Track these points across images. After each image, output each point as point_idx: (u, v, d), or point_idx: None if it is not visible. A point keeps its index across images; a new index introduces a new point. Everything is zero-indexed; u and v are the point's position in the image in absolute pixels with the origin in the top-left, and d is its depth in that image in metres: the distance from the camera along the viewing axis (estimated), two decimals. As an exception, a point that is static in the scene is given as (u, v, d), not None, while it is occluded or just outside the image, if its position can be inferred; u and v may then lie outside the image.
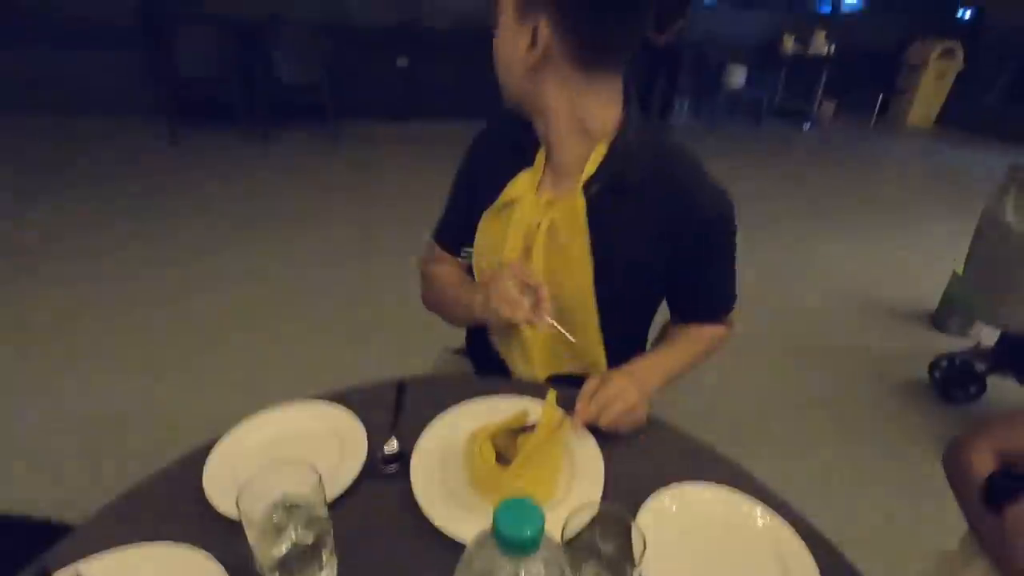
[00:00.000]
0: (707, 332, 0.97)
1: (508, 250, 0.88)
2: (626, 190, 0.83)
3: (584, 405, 0.76)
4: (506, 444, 0.71)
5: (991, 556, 0.67)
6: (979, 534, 0.68)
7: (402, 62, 5.69)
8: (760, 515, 0.67)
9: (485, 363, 1.04)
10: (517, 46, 0.77)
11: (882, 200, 4.60)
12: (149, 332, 2.38)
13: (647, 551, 0.48)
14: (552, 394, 0.73)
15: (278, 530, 0.55)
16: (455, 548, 0.60)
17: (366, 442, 0.74)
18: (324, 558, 0.56)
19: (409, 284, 2.92)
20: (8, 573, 0.57)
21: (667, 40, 5.51)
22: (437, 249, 1.07)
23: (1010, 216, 1.81)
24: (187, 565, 0.58)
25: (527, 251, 0.87)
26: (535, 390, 0.84)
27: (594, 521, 0.52)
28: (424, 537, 0.63)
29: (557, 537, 0.50)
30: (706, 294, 0.95)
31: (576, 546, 0.51)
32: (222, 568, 0.57)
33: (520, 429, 0.73)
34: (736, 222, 0.87)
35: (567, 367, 0.95)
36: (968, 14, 8.00)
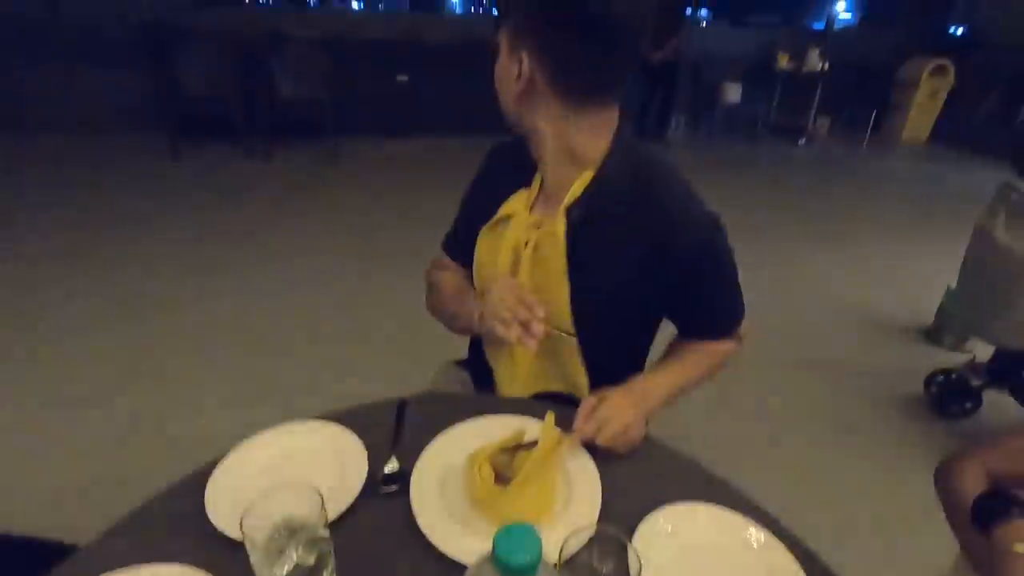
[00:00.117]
0: (714, 348, 0.96)
1: (499, 266, 0.90)
2: (608, 217, 0.83)
3: (582, 423, 0.78)
4: (505, 462, 0.72)
5: (982, 576, 0.68)
6: (970, 555, 0.69)
7: (402, 78, 5.75)
8: (755, 535, 0.68)
9: (483, 376, 1.05)
10: (509, 74, 0.80)
11: (877, 215, 4.64)
12: (148, 347, 2.38)
13: (643, 572, 0.49)
14: (550, 415, 0.74)
15: (280, 551, 0.56)
16: (455, 568, 0.61)
17: (366, 462, 0.74)
18: (325, 578, 0.57)
19: (409, 298, 2.93)
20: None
21: (663, 57, 5.59)
22: (444, 257, 1.09)
23: (1001, 234, 1.83)
24: (190, 586, 0.59)
25: (515, 268, 0.89)
26: (533, 409, 0.85)
27: (591, 542, 0.53)
28: (424, 557, 0.63)
29: (555, 557, 0.51)
30: (708, 313, 0.94)
31: (574, 567, 0.52)
32: (224, 589, 0.58)
33: (518, 447, 0.74)
34: (726, 241, 0.86)
35: (551, 386, 0.96)
36: (959, 31, 8.15)
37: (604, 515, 0.69)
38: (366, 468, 0.73)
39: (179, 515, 0.68)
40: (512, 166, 0.92)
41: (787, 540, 0.67)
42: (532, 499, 0.68)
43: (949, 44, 7.41)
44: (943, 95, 6.61)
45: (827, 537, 1.64)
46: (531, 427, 0.77)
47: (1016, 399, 2.07)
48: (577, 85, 0.78)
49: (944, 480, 0.74)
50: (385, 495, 0.71)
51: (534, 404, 0.89)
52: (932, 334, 2.74)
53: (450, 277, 1.05)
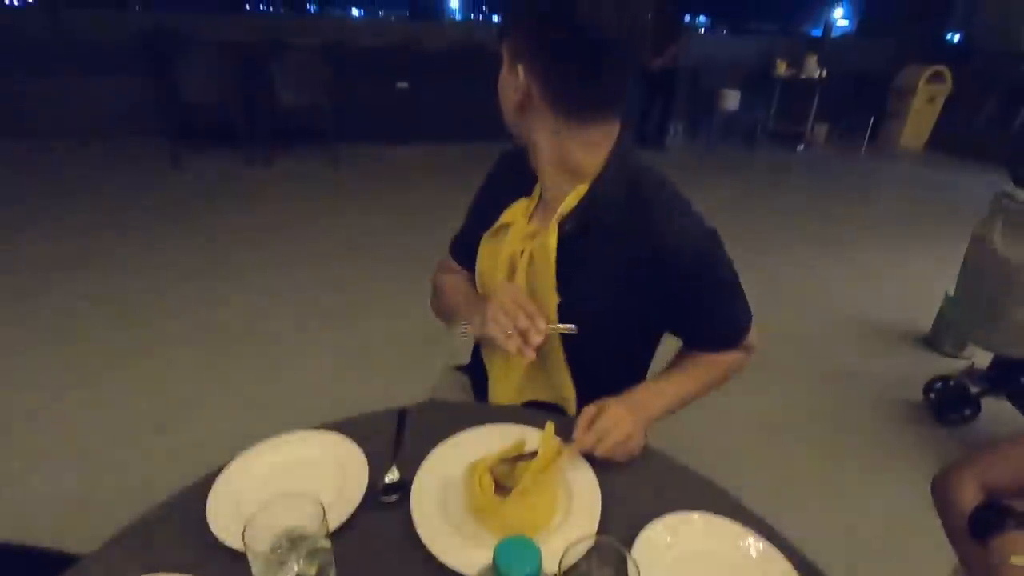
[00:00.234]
0: (719, 359, 0.95)
1: (498, 272, 0.91)
2: (601, 231, 0.83)
3: (582, 434, 0.78)
4: (505, 472, 0.73)
5: (979, 588, 0.68)
6: (967, 566, 0.70)
7: (402, 85, 5.78)
8: (753, 544, 0.68)
9: (483, 381, 1.05)
10: (508, 86, 0.81)
11: (875, 222, 4.66)
12: (150, 353, 2.39)
13: (642, 583, 0.49)
14: (550, 425, 0.75)
15: (282, 562, 0.56)
16: (456, 579, 0.61)
17: (367, 471, 0.75)
18: (326, 589, 0.57)
19: (410, 303, 2.95)
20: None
21: (662, 64, 5.62)
22: (450, 260, 1.09)
23: (997, 242, 1.84)
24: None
25: (510, 277, 0.90)
26: (533, 419, 0.85)
27: (590, 553, 0.54)
28: (425, 568, 0.64)
29: (554, 568, 0.51)
30: (708, 327, 0.92)
31: (573, 577, 0.53)
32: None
33: (518, 457, 0.75)
34: (723, 256, 0.86)
35: (542, 395, 0.97)
36: (956, 38, 8.20)
37: (603, 525, 0.69)
38: (367, 478, 0.74)
39: (181, 525, 0.68)
40: (516, 174, 0.93)
41: (786, 549, 0.67)
42: (532, 509, 0.68)
43: (946, 51, 7.46)
44: (940, 102, 6.65)
45: (826, 546, 1.64)
46: (531, 437, 0.78)
47: (1015, 406, 2.07)
48: (570, 100, 0.78)
49: (941, 491, 0.74)
50: (386, 505, 0.72)
51: (534, 414, 0.89)
52: (931, 340, 2.75)
53: (455, 281, 1.06)
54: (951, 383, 2.21)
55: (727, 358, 0.95)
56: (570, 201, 0.83)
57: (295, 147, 5.30)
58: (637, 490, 0.77)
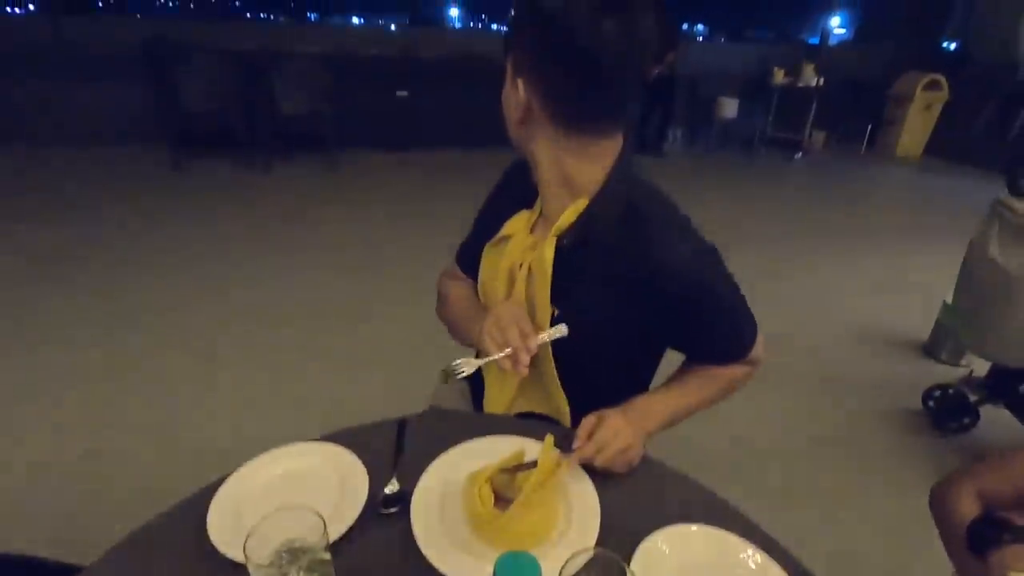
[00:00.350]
0: (722, 372, 0.94)
1: (498, 283, 0.91)
2: (598, 247, 0.83)
3: (581, 444, 0.78)
4: (505, 483, 0.73)
5: (977, 602, 0.68)
6: (965, 579, 0.70)
7: (402, 93, 5.81)
8: (752, 556, 0.68)
9: (481, 389, 1.05)
10: (510, 100, 0.81)
11: (873, 229, 4.67)
12: (149, 359, 2.39)
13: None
14: (550, 437, 0.75)
15: (282, 574, 0.57)
16: (455, 592, 0.61)
17: (367, 483, 0.75)
18: (326, 601, 0.58)
19: (409, 310, 2.95)
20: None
21: (659, 72, 5.66)
22: (455, 268, 1.10)
23: (995, 251, 1.85)
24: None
25: (509, 289, 0.90)
26: (532, 430, 0.85)
27: (589, 565, 0.54)
28: (424, 580, 0.64)
29: (554, 581, 0.52)
30: (709, 343, 0.92)
31: (572, 591, 0.53)
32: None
33: (518, 467, 0.75)
34: (722, 273, 0.85)
35: (536, 407, 0.97)
36: (952, 47, 8.25)
37: (603, 537, 0.69)
38: (367, 489, 0.74)
39: (181, 537, 0.68)
40: (521, 185, 0.93)
41: (785, 561, 0.68)
42: (532, 522, 0.68)
43: (943, 59, 7.51)
44: (937, 109, 6.69)
45: (825, 557, 1.64)
46: (530, 448, 0.78)
47: (1013, 414, 2.07)
48: (569, 115, 0.78)
49: (939, 503, 0.75)
50: (386, 517, 0.72)
51: (533, 425, 0.90)
52: (929, 348, 2.75)
53: (460, 289, 1.07)
54: (950, 391, 2.21)
55: (731, 372, 0.95)
56: (569, 215, 0.83)
57: (295, 154, 5.32)
58: (636, 501, 0.77)
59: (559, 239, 0.84)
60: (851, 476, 2.00)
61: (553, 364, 0.88)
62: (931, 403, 2.27)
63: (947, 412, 2.21)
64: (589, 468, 0.78)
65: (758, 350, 0.94)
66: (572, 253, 0.84)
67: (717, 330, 0.89)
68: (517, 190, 0.95)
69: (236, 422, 2.07)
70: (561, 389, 0.91)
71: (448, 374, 0.83)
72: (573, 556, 0.53)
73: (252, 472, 0.77)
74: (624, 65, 0.73)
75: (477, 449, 0.82)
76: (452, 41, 6.22)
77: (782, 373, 2.50)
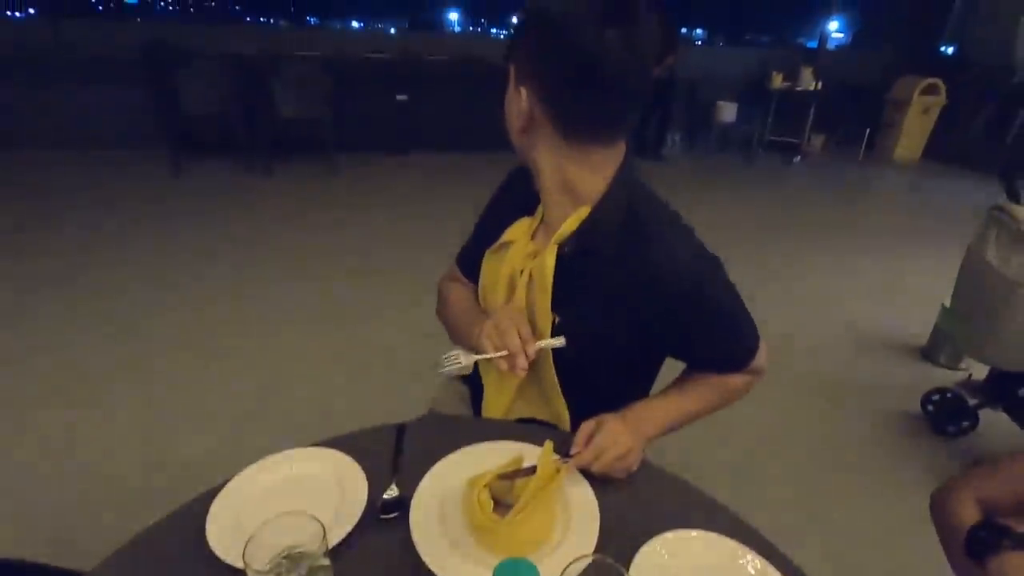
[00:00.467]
0: (722, 381, 0.94)
1: (498, 289, 0.92)
2: (598, 256, 0.83)
3: (581, 449, 0.78)
4: (505, 488, 0.73)
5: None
6: (964, 585, 0.70)
7: (401, 97, 5.82)
8: (751, 562, 0.68)
9: (480, 394, 1.05)
10: (512, 108, 0.81)
11: (872, 233, 4.68)
12: (148, 363, 2.39)
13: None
14: (549, 443, 0.75)
15: (281, 580, 0.57)
16: (454, 598, 0.61)
17: (366, 488, 0.75)
18: (326, 607, 0.58)
19: (409, 313, 2.95)
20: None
21: (658, 76, 5.67)
22: (456, 270, 1.10)
23: (992, 256, 1.86)
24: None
25: (509, 295, 0.90)
26: (531, 435, 0.86)
27: (588, 571, 0.54)
28: (423, 585, 0.64)
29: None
30: (709, 352, 0.92)
31: (571, 597, 0.53)
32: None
33: (517, 472, 0.75)
34: (723, 283, 0.85)
35: (536, 413, 0.97)
36: (950, 51, 8.28)
37: (601, 543, 0.69)
38: (366, 495, 0.74)
39: (180, 543, 0.68)
40: (523, 191, 0.93)
41: (784, 566, 0.68)
42: (530, 528, 0.69)
43: (940, 63, 7.53)
44: (935, 113, 6.71)
45: (823, 562, 1.64)
46: (529, 453, 0.78)
47: (1012, 418, 2.08)
48: (573, 123, 0.78)
49: (939, 509, 0.75)
50: (385, 522, 0.72)
51: (532, 430, 0.90)
52: (928, 352, 2.75)
53: (461, 292, 1.07)
54: (948, 395, 2.21)
55: (732, 381, 0.95)
56: (571, 223, 0.83)
57: (295, 158, 5.32)
58: (635, 507, 0.77)
59: (560, 247, 0.84)
60: (850, 480, 2.00)
61: (553, 370, 0.88)
62: (930, 407, 2.27)
63: (946, 416, 2.21)
64: (588, 473, 0.78)
65: (760, 360, 0.93)
66: (573, 261, 0.84)
67: (717, 339, 0.89)
68: (518, 195, 0.95)
69: (235, 427, 2.07)
70: (561, 395, 0.91)
71: (441, 364, 0.83)
72: (572, 562, 0.53)
73: (251, 478, 0.77)
74: (627, 75, 0.73)
75: (476, 454, 0.82)
76: (452, 45, 6.23)
77: (781, 376, 2.50)
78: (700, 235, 0.86)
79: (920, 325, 2.84)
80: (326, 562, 0.58)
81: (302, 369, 2.43)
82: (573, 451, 0.79)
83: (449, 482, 0.76)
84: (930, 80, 6.44)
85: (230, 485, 0.75)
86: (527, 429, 0.90)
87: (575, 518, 0.72)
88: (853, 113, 7.17)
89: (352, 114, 5.39)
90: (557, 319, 0.86)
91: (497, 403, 0.97)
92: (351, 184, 5.08)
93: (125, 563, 0.67)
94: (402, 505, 0.73)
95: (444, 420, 1.08)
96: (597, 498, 0.75)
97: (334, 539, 0.67)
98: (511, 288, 0.90)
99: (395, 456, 0.82)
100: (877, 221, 5.09)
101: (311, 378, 2.37)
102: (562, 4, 0.72)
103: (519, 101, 0.79)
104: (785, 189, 6.03)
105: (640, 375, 1.00)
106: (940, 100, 6.58)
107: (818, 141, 7.06)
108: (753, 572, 0.68)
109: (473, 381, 1.16)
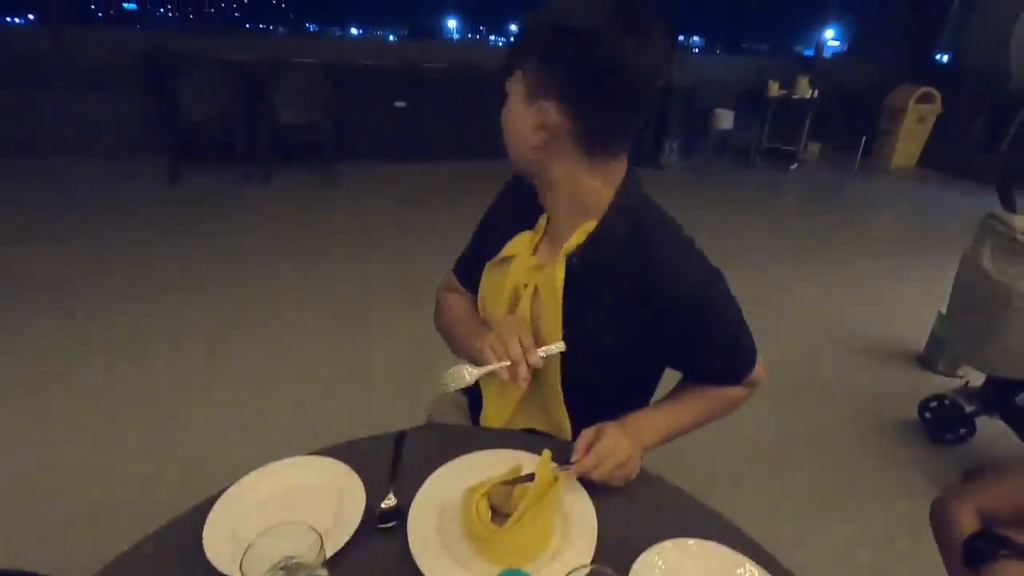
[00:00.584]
0: (719, 393, 0.95)
1: (500, 303, 0.91)
2: (605, 268, 0.83)
3: (581, 456, 0.78)
4: (503, 496, 0.72)
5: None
6: (962, 594, 0.70)
7: (400, 104, 5.84)
8: (749, 571, 0.68)
9: (479, 403, 1.05)
10: (526, 123, 0.79)
11: (868, 240, 4.70)
12: (145, 371, 2.38)
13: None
14: (547, 453, 0.75)
15: (279, 591, 0.56)
16: (452, 609, 0.61)
17: (364, 497, 0.75)
18: (323, 618, 0.57)
19: (408, 321, 2.94)
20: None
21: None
22: (454, 279, 1.10)
23: (987, 264, 1.86)
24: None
25: (512, 308, 0.90)
26: (529, 444, 0.86)
27: (586, 581, 0.54)
28: (421, 595, 0.64)
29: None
30: (709, 365, 0.92)
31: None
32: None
33: (515, 480, 0.75)
34: (725, 297, 0.85)
35: (536, 424, 0.96)
36: (945, 59, 8.35)
37: (600, 552, 0.69)
38: (364, 504, 0.74)
39: (177, 553, 0.68)
40: (522, 204, 0.93)
41: (779, 574, 0.68)
42: (528, 537, 0.68)
43: (935, 71, 7.59)
44: (931, 121, 6.76)
45: (822, 569, 1.64)
46: (527, 462, 0.78)
47: (1009, 426, 2.08)
48: (602, 138, 0.78)
49: (938, 519, 0.75)
50: (383, 532, 0.72)
51: (531, 438, 0.90)
52: (925, 359, 2.76)
53: (459, 302, 1.07)
54: (945, 402, 2.21)
55: (730, 392, 0.95)
56: (578, 237, 0.83)
57: (294, 165, 5.33)
58: (633, 516, 0.77)
59: (569, 259, 0.84)
60: (848, 488, 2.00)
61: (559, 380, 0.88)
62: (927, 414, 2.27)
63: (943, 423, 2.21)
64: (586, 482, 0.78)
65: (757, 372, 0.94)
66: (579, 272, 0.84)
67: (717, 351, 0.90)
68: (517, 207, 0.94)
69: (232, 436, 2.06)
70: (563, 405, 0.90)
71: (444, 381, 0.82)
72: (570, 572, 0.53)
73: (248, 487, 0.77)
74: (651, 85, 0.75)
75: (474, 463, 0.82)
76: (451, 52, 6.27)
77: (777, 385, 2.50)
78: (698, 243, 0.87)
79: (917, 332, 2.84)
80: (324, 572, 0.58)
81: (299, 377, 2.42)
82: (574, 458, 0.79)
83: (447, 491, 0.76)
84: (926, 88, 6.48)
85: (227, 494, 0.75)
86: (525, 438, 0.90)
87: (573, 527, 0.72)
88: (849, 121, 7.21)
89: (351, 121, 5.40)
90: (564, 331, 0.85)
91: (497, 415, 0.97)
92: (350, 191, 5.08)
93: (122, 572, 0.66)
94: (400, 514, 0.73)
95: (442, 429, 1.08)
96: (595, 507, 0.75)
97: (331, 548, 0.67)
98: (514, 300, 0.90)
99: (393, 465, 0.82)
100: (874, 228, 5.11)
101: (308, 386, 2.36)
102: (586, 17, 0.72)
103: (539, 116, 0.77)
104: (782, 197, 6.06)
105: (642, 385, 1.00)
106: (936, 108, 6.63)
107: (815, 149, 7.09)
108: (750, 582, 0.67)
109: (471, 391, 1.16)
